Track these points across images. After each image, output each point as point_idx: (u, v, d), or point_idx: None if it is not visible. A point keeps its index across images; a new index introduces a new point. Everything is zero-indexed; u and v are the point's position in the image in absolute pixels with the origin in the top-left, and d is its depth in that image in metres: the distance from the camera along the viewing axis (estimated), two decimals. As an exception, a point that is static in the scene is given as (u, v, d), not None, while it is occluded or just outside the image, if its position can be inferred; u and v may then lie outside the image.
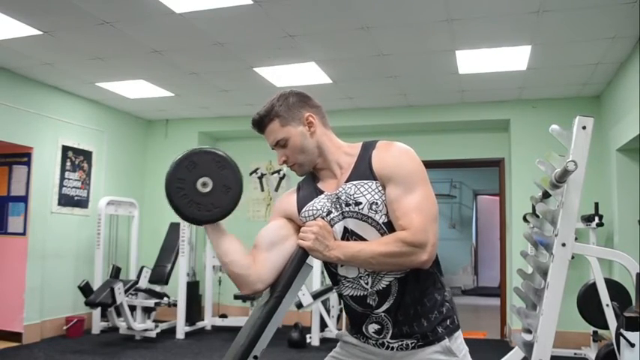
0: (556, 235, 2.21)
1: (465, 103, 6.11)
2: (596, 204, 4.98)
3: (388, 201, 1.40)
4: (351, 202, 1.43)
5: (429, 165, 1.46)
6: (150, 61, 4.84)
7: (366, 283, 1.44)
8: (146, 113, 7.00)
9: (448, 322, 1.46)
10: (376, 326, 1.46)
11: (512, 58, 4.64)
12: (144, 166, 7.23)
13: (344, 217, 1.45)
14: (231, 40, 4.34)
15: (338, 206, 1.46)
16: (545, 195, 3.28)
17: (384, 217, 1.41)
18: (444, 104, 6.16)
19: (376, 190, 1.42)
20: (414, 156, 1.44)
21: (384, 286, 1.43)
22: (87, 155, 6.26)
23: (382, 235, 1.41)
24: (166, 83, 5.62)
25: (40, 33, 4.22)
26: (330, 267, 1.52)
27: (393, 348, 1.46)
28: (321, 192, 1.51)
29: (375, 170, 1.43)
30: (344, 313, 5.90)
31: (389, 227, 1.41)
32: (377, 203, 1.41)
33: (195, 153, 1.43)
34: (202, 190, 1.40)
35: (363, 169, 1.45)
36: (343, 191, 1.45)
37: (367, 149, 1.48)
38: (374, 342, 1.48)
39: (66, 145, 5.94)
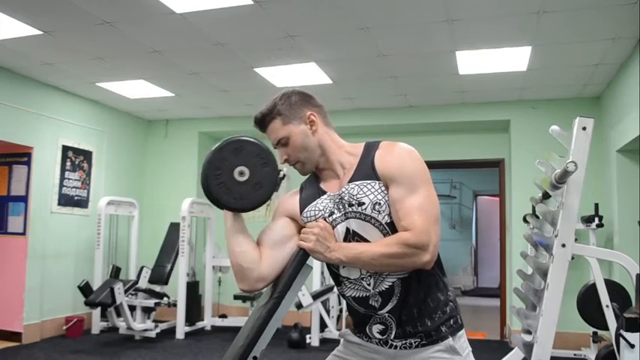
0: (556, 236, 2.21)
1: (466, 104, 6.11)
2: (596, 205, 4.98)
3: (391, 201, 1.39)
4: (354, 202, 1.42)
5: (429, 165, 1.45)
6: (150, 61, 4.84)
7: (369, 285, 1.44)
8: (146, 113, 7.00)
9: (452, 322, 1.46)
10: (380, 326, 1.46)
11: (512, 59, 4.64)
12: (144, 166, 7.23)
13: (347, 218, 1.44)
14: (231, 40, 4.34)
15: (341, 207, 1.45)
16: (545, 196, 3.28)
17: (387, 217, 1.40)
18: (444, 105, 6.16)
19: (379, 191, 1.41)
20: (417, 157, 1.43)
21: (387, 287, 1.42)
22: (87, 155, 6.26)
23: (385, 235, 1.40)
24: (166, 83, 5.61)
25: (40, 33, 4.22)
26: (332, 268, 1.51)
27: (396, 347, 1.45)
28: (324, 192, 1.51)
29: (378, 170, 1.42)
30: (345, 313, 5.94)
31: (392, 228, 1.40)
32: (380, 203, 1.40)
33: (244, 141, 1.45)
34: (238, 179, 1.41)
35: (366, 169, 1.44)
36: (346, 191, 1.44)
37: (370, 149, 1.48)
38: (377, 341, 1.48)
39: (66, 145, 5.94)
